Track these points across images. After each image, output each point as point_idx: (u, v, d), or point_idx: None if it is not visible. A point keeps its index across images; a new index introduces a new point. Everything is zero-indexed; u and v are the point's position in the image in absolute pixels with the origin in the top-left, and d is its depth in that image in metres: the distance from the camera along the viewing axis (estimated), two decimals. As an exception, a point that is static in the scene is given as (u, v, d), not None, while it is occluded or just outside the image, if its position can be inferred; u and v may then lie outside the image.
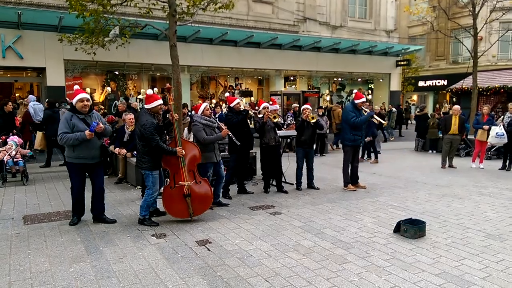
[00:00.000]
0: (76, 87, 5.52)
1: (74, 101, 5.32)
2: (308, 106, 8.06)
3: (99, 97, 16.04)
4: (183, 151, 5.56)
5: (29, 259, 4.33)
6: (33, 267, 4.11)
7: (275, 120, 7.32)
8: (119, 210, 6.29)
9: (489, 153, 12.11)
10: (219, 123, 6.59)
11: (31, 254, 4.47)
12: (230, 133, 6.49)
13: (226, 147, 8.20)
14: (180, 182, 5.58)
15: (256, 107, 8.79)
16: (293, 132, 8.28)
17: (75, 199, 5.54)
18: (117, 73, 16.15)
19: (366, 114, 7.65)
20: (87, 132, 5.18)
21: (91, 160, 5.43)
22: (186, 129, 9.14)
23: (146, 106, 5.50)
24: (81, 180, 5.52)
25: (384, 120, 10.47)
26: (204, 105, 6.56)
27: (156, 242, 4.88)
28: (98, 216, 5.66)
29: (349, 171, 7.89)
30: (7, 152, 8.22)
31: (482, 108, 11.27)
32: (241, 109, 7.12)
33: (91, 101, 5.50)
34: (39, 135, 10.55)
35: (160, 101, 5.54)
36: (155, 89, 16.62)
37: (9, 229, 5.36)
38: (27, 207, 6.49)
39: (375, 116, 7.84)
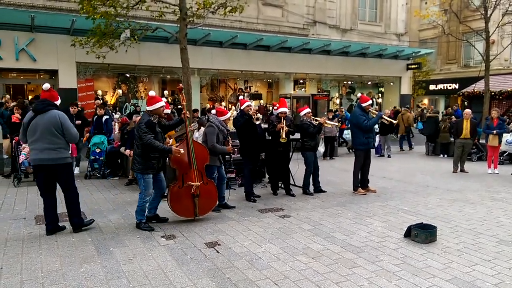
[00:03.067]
0: (47, 85, 5.15)
1: (59, 102, 5.21)
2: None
3: (110, 99, 16.20)
4: (181, 150, 5.46)
5: (41, 258, 4.38)
6: (44, 267, 4.16)
7: (282, 141, 7.10)
8: (129, 211, 6.33)
9: (501, 158, 11.95)
10: (229, 137, 6.64)
11: (42, 253, 4.52)
12: (232, 152, 6.63)
13: (236, 149, 8.23)
14: (190, 183, 5.62)
15: (275, 108, 8.64)
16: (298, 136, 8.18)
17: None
18: (128, 75, 16.30)
19: (375, 116, 7.64)
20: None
21: None
22: (197, 132, 9.17)
23: (148, 108, 5.40)
24: None
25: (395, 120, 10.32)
26: (228, 115, 6.63)
27: (165, 243, 4.90)
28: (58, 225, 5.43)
29: (359, 175, 7.85)
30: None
31: (491, 112, 11.13)
32: (250, 112, 7.13)
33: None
34: (6, 141, 9.67)
35: (162, 103, 5.46)
36: (165, 92, 16.75)
37: (21, 229, 5.43)
38: (39, 207, 6.55)
39: (385, 117, 7.77)
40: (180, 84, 6.05)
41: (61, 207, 6.54)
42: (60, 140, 4.99)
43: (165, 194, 7.25)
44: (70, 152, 5.31)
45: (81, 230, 5.26)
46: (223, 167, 6.71)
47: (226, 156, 7.31)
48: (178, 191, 5.62)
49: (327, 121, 7.58)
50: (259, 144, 7.38)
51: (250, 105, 7.24)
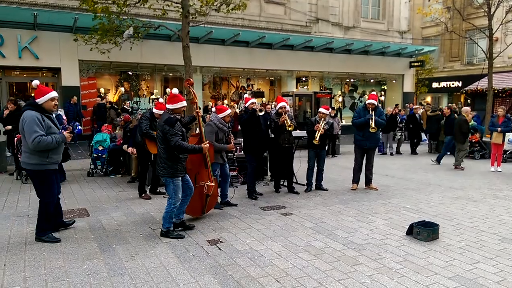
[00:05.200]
0: (36, 82, 4.82)
1: (44, 99, 4.65)
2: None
3: (113, 97, 16.24)
4: (208, 145, 5.25)
5: (44, 255, 4.40)
6: (47, 264, 4.18)
7: (290, 129, 7.16)
8: (132, 209, 6.35)
9: (505, 155, 11.91)
10: (231, 134, 6.63)
11: (45, 250, 4.54)
12: (234, 149, 6.55)
13: (238, 147, 8.24)
14: (203, 182, 5.60)
15: (274, 104, 8.65)
16: (304, 133, 8.20)
17: (51, 214, 4.91)
18: (130, 73, 16.34)
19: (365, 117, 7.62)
20: (67, 134, 4.83)
21: (57, 164, 4.95)
22: (197, 129, 9.17)
23: (169, 106, 5.01)
24: (57, 188, 5.00)
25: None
26: (228, 111, 6.55)
27: (168, 240, 4.91)
28: (61, 221, 5.26)
29: (359, 171, 7.93)
30: None
31: (497, 110, 11.08)
32: (254, 109, 7.12)
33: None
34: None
35: (185, 103, 5.10)
36: (168, 90, 16.76)
37: (24, 226, 5.45)
38: (42, 204, 6.58)
39: (371, 122, 7.57)
40: (190, 79, 5.89)
41: (64, 205, 6.58)
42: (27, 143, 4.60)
43: (157, 191, 7.36)
44: (49, 158, 4.70)
45: (39, 240, 4.83)
46: (227, 165, 6.71)
47: (229, 154, 7.30)
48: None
49: (320, 127, 7.47)
50: (263, 141, 7.36)
51: (254, 103, 7.25)
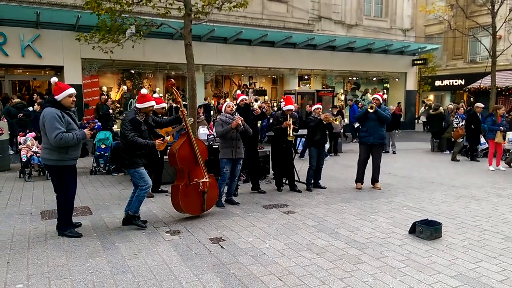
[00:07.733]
0: (54, 79, 4.94)
1: (62, 95, 4.74)
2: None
3: (115, 95, 16.25)
4: (161, 143, 5.25)
5: (47, 253, 4.42)
6: (50, 261, 4.19)
7: (289, 139, 7.19)
8: (134, 207, 6.36)
9: (507, 154, 11.86)
10: (235, 117, 6.59)
11: (48, 248, 4.56)
12: (240, 123, 6.21)
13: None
14: (198, 180, 5.63)
15: (281, 102, 8.74)
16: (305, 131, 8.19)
17: (70, 210, 5.04)
18: (133, 71, 16.33)
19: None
20: (87, 131, 4.98)
21: (76, 160, 5.04)
22: (200, 127, 9.23)
23: (137, 105, 5.26)
24: (75, 184, 5.12)
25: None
26: (226, 103, 6.71)
27: (170, 238, 4.92)
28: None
29: (363, 169, 7.90)
30: (30, 149, 8.42)
31: (498, 108, 10.94)
32: (247, 104, 7.31)
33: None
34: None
35: (153, 103, 5.31)
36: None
37: (27, 224, 5.47)
38: (45, 202, 6.61)
39: (370, 110, 7.65)
40: (172, 79, 5.91)
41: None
42: (48, 139, 4.70)
43: (160, 189, 7.32)
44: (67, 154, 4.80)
45: (62, 235, 4.95)
46: (240, 165, 6.62)
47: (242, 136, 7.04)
48: (186, 190, 5.56)
49: (329, 118, 7.57)
50: (252, 136, 7.12)
51: (245, 99, 7.39)
